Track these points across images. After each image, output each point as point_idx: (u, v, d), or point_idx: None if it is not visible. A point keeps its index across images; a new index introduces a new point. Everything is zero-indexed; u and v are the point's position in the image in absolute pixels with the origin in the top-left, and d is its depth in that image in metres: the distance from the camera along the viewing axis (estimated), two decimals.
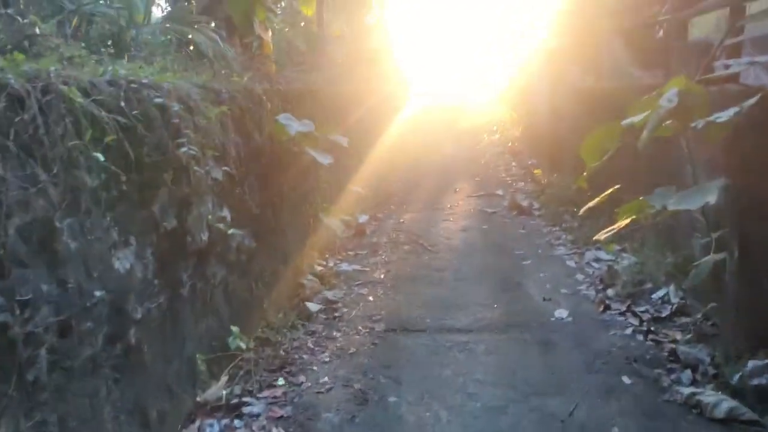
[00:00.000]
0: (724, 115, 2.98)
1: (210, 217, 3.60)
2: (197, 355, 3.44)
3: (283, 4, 23.22)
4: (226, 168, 3.77)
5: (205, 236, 3.57)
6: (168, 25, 7.02)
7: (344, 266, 5.89)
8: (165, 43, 6.95)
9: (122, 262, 2.79)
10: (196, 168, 3.38)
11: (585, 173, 3.87)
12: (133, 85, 2.98)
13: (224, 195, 3.97)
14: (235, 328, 3.88)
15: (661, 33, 5.39)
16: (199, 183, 3.49)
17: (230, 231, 3.59)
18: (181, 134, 3.26)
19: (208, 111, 3.64)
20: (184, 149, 3.20)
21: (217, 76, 5.37)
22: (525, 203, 8.26)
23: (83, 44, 5.81)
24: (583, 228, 6.67)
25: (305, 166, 5.30)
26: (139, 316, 2.90)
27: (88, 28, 6.46)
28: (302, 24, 16.25)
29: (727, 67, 3.94)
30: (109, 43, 6.41)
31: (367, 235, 7.16)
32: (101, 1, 6.66)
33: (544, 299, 4.91)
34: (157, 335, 3.05)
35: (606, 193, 3.85)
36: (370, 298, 5.11)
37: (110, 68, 3.02)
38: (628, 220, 3.51)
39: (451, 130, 20.35)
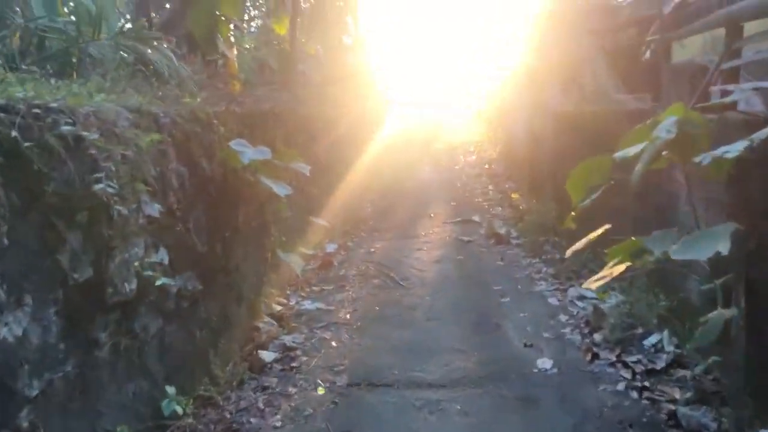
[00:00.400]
0: (732, 149, 2.57)
1: (138, 263, 3.08)
2: (119, 429, 2.89)
3: (257, 22, 22.83)
4: (159, 205, 3.25)
5: (132, 285, 3.04)
6: (121, 42, 6.50)
7: (307, 304, 5.38)
8: (119, 61, 6.42)
9: (11, 327, 2.26)
10: (119, 207, 2.86)
11: (572, 212, 3.44)
12: (35, 110, 2.47)
13: (161, 234, 3.45)
14: (170, 389, 3.34)
15: (648, 54, 5.03)
16: (124, 223, 2.97)
17: (159, 282, 3.06)
18: (99, 167, 2.75)
19: (138, 139, 3.14)
20: (100, 185, 2.68)
21: (165, 97, 4.88)
22: (503, 231, 7.84)
23: (28, 62, 5.32)
24: (564, 260, 6.26)
25: (263, 197, 4.80)
26: (34, 392, 2.36)
27: (37, 44, 5.95)
28: (275, 43, 15.85)
29: (725, 93, 3.56)
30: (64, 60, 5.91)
31: (334, 267, 6.66)
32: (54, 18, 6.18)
33: (525, 345, 4.45)
34: (60, 412, 2.51)
35: (595, 234, 3.41)
36: (334, 344, 4.60)
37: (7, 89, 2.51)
38: (622, 267, 3.08)
39: (428, 149, 20.02)
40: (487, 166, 14.78)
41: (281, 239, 5.04)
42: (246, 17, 22.30)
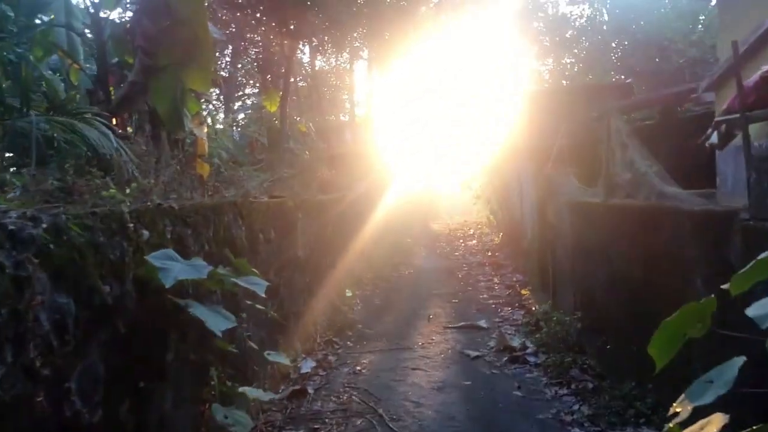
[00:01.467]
0: None
1: None
2: None
3: (252, 100, 22.22)
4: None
5: None
6: (55, 117, 5.40)
7: None
8: (48, 139, 5.27)
9: None
10: None
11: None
12: None
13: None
14: None
15: (713, 138, 3.92)
16: None
17: None
18: None
19: None
20: None
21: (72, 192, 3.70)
22: (516, 344, 6.50)
23: None
24: (602, 392, 4.91)
25: (202, 327, 3.51)
26: None
27: None
28: (268, 120, 15.06)
29: None
30: None
31: (308, 397, 5.26)
32: None
33: None
34: None
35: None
36: None
37: None
38: (719, 421, 1.78)
39: (426, 231, 18.90)
40: (489, 254, 13.56)
41: (225, 386, 3.67)
42: (238, 93, 21.83)
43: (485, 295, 9.48)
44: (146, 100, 6.68)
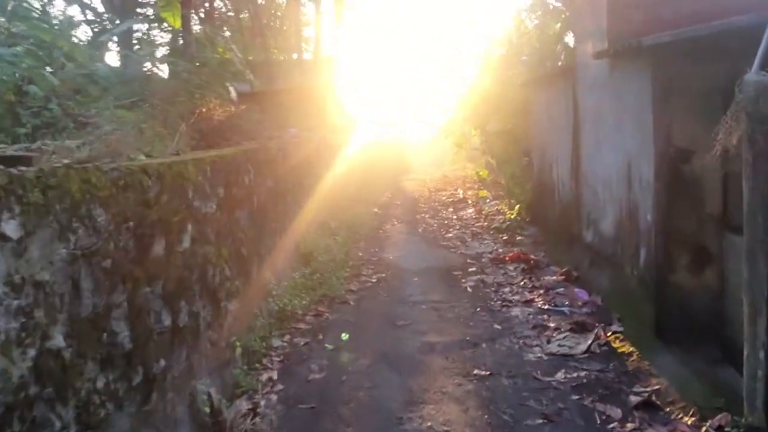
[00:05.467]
0: None
1: None
2: None
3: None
4: None
5: None
6: None
7: None
8: None
9: None
10: None
11: None
12: None
13: None
14: None
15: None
16: None
17: None
18: None
19: None
20: None
21: None
22: None
23: None
24: None
25: None
26: None
27: None
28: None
29: None
30: None
31: None
32: None
33: None
34: None
35: None
36: None
37: None
38: None
39: (398, 197, 13.90)
40: (504, 237, 8.57)
41: None
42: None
43: (534, 355, 4.52)
44: None
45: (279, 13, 21.06)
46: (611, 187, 5.18)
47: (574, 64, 6.15)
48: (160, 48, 13.61)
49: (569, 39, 11.37)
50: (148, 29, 13.91)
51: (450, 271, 7.12)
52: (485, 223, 9.74)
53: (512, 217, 9.26)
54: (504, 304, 5.76)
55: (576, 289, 5.84)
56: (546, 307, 5.56)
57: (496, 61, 13.90)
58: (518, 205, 9.27)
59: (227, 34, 20.83)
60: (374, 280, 6.87)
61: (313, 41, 18.61)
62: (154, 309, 3.08)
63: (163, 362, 3.12)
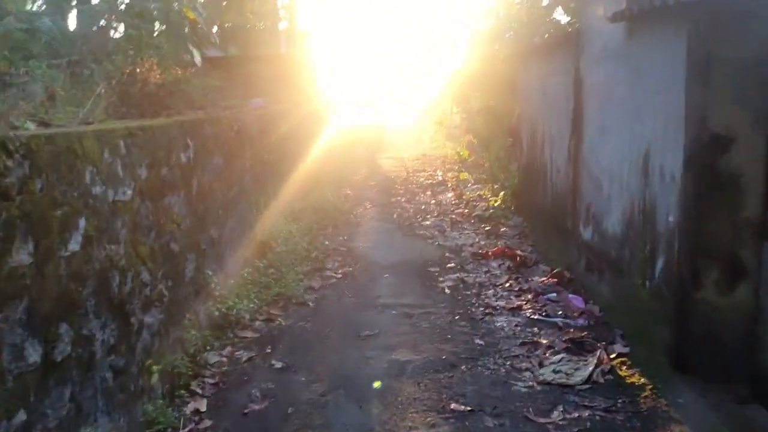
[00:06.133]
0: None
1: None
2: None
3: None
4: None
5: None
6: None
7: None
8: None
9: None
10: None
11: None
12: None
13: None
14: None
15: None
16: None
17: None
18: None
19: None
20: None
21: None
22: None
23: None
24: None
25: None
26: None
27: None
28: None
29: None
30: None
31: None
32: None
33: None
34: None
35: None
36: None
37: None
38: None
39: (373, 177, 12.96)
40: (486, 227, 7.75)
41: None
42: None
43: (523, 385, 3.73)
44: None
45: None
46: (620, 179, 4.36)
47: (577, 31, 5.27)
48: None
49: (558, 14, 10.59)
50: None
51: (426, 266, 6.28)
52: (466, 210, 8.91)
53: (496, 204, 8.45)
54: (487, 311, 4.94)
55: (570, 295, 5.06)
56: (536, 316, 4.76)
57: (480, 35, 13.03)
58: (502, 192, 8.45)
59: None
60: (339, 276, 6.01)
61: (289, 9, 17.58)
62: (8, 342, 2.19)
63: (22, 415, 2.24)
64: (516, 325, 4.62)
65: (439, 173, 13.42)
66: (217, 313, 4.40)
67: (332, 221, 8.11)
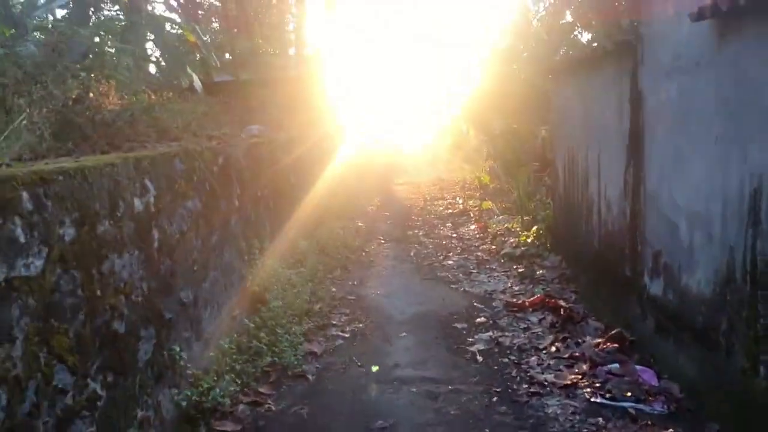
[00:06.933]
0: None
1: None
2: None
3: None
4: None
5: None
6: None
7: None
8: None
9: None
10: None
11: None
12: None
13: None
14: None
15: None
16: None
17: None
18: None
19: None
20: None
21: None
22: None
23: None
24: None
25: None
26: None
27: None
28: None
29: None
30: None
31: None
32: None
33: None
34: None
35: None
36: None
37: None
38: None
39: (387, 207, 11.95)
40: (519, 269, 6.67)
41: None
42: None
43: None
44: None
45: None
46: (710, 222, 3.32)
47: (635, 37, 4.27)
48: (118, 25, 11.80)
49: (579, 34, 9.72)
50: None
51: (451, 321, 5.24)
52: (493, 246, 7.86)
53: (528, 240, 7.38)
54: (532, 389, 3.89)
55: (638, 367, 3.99)
56: (598, 399, 3.69)
57: (496, 54, 12.12)
58: (535, 227, 7.40)
59: (215, 25, 19.08)
60: (347, 335, 5.00)
61: (296, 33, 17.13)
62: None
63: None
64: (573, 413, 3.56)
65: (459, 201, 12.40)
66: (185, 402, 3.40)
67: (341, 262, 7.11)
